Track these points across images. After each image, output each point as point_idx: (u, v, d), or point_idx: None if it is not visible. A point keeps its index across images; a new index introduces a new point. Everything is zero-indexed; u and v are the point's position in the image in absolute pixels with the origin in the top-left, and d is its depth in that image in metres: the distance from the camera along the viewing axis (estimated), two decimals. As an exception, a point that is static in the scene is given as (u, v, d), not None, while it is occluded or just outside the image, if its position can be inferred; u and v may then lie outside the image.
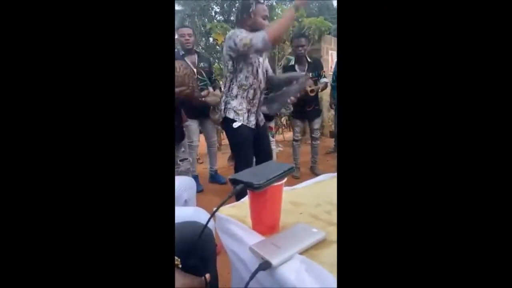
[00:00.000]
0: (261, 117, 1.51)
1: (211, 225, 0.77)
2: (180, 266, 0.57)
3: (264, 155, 1.53)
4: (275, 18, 4.15)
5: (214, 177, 2.37)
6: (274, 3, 4.88)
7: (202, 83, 1.98)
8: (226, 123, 1.40)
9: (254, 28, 1.29)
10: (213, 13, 4.85)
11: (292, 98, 1.48)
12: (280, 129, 3.74)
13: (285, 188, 0.59)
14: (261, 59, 1.40)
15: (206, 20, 4.65)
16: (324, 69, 2.37)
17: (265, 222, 0.50)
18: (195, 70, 2.01)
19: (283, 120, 3.32)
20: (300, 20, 3.88)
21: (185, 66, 1.41)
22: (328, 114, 4.13)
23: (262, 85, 1.43)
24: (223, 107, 1.42)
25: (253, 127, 1.42)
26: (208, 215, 0.88)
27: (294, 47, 2.23)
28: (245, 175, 0.49)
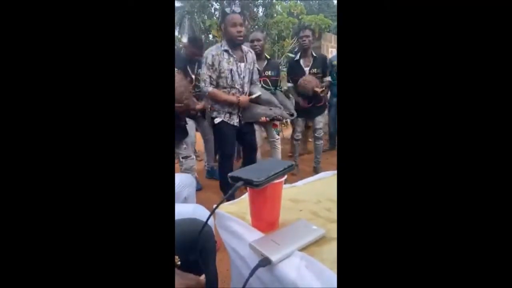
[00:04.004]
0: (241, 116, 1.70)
1: (210, 222, 0.77)
2: (178, 263, 0.57)
3: (249, 148, 1.76)
4: (275, 15, 4.14)
5: (212, 173, 2.38)
6: (274, 0, 4.85)
7: (197, 90, 2.02)
8: (211, 120, 1.64)
9: (228, 36, 1.52)
10: (213, 10, 4.83)
11: (264, 118, 1.73)
12: (279, 127, 3.73)
13: (285, 185, 0.59)
14: (242, 65, 1.58)
15: (206, 17, 4.63)
16: (329, 68, 2.29)
17: (265, 219, 0.50)
18: (193, 76, 2.05)
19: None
20: (300, 17, 3.87)
21: (179, 82, 1.44)
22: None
23: (243, 89, 1.62)
24: (209, 109, 1.66)
25: (236, 124, 1.63)
26: (208, 212, 0.88)
27: (299, 38, 2.18)
28: (245, 172, 0.49)
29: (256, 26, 4.26)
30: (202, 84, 1.57)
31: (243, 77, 1.60)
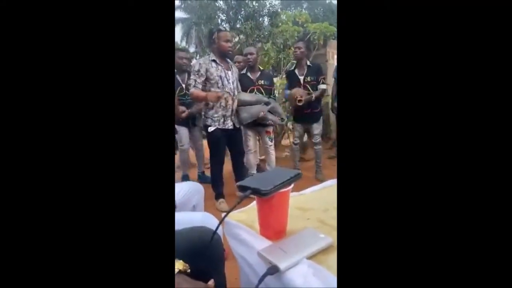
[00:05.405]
0: (237, 120, 1.93)
1: (219, 230, 0.78)
2: (188, 270, 0.59)
3: (236, 152, 2.01)
4: (280, 24, 4.20)
5: (202, 178, 2.60)
6: (279, 10, 4.94)
7: (188, 98, 2.24)
8: (205, 128, 1.89)
9: (219, 50, 1.78)
10: (219, 21, 4.95)
11: (262, 113, 1.93)
12: (287, 134, 3.75)
13: (292, 194, 0.60)
14: (229, 73, 1.84)
15: (213, 28, 4.74)
16: (324, 76, 2.40)
17: (273, 228, 0.51)
18: (183, 86, 2.31)
19: (289, 124, 3.34)
20: (305, 25, 3.91)
21: None
22: (332, 119, 4.11)
23: (233, 92, 1.85)
24: (203, 116, 1.90)
25: (230, 127, 1.87)
26: (217, 220, 0.89)
27: (293, 50, 2.37)
28: (252, 182, 0.50)
29: (261, 35, 4.33)
30: (189, 88, 1.83)
31: (232, 82, 1.86)
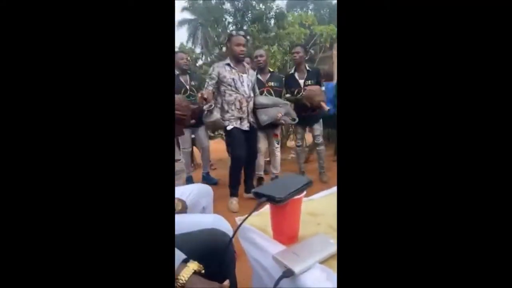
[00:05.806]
0: (253, 120, 1.99)
1: (230, 232, 0.80)
2: (203, 272, 0.61)
3: (250, 153, 2.01)
4: (287, 26, 4.23)
5: (206, 178, 2.68)
6: (285, 12, 4.96)
7: (193, 98, 2.36)
8: (224, 130, 1.95)
9: (232, 54, 1.88)
10: (227, 23, 4.99)
11: (280, 114, 2.00)
12: (292, 136, 3.77)
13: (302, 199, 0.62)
14: (244, 76, 1.91)
15: (220, 30, 4.79)
16: (324, 78, 2.46)
17: (286, 233, 0.54)
18: (187, 87, 2.41)
19: (293, 127, 3.38)
20: (311, 28, 3.93)
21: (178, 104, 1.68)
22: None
23: (247, 94, 1.91)
24: (221, 119, 1.92)
25: (247, 129, 1.93)
26: (227, 223, 0.92)
27: (292, 54, 2.45)
28: (267, 189, 0.52)
29: (268, 38, 4.36)
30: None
31: (247, 85, 1.93)
